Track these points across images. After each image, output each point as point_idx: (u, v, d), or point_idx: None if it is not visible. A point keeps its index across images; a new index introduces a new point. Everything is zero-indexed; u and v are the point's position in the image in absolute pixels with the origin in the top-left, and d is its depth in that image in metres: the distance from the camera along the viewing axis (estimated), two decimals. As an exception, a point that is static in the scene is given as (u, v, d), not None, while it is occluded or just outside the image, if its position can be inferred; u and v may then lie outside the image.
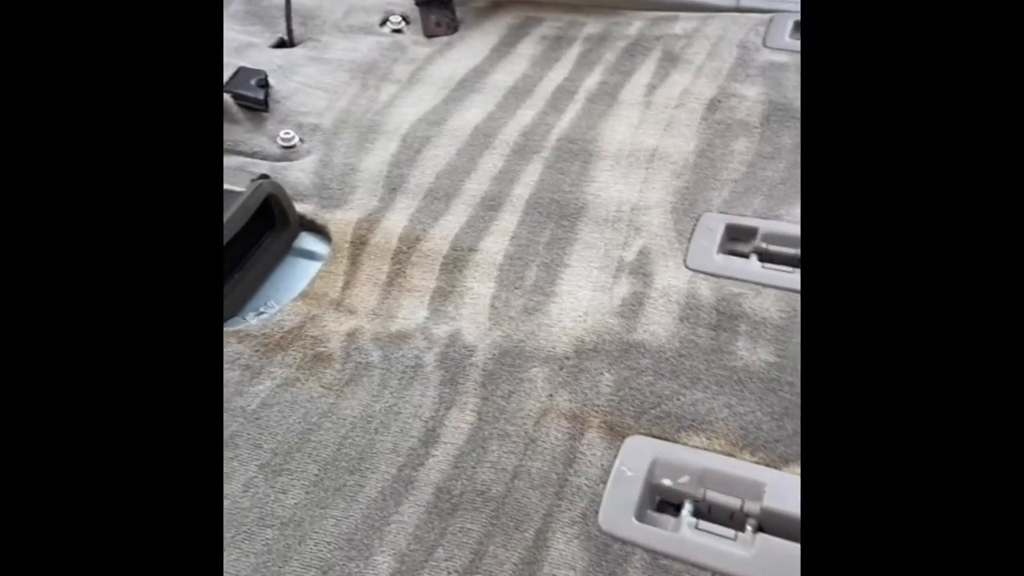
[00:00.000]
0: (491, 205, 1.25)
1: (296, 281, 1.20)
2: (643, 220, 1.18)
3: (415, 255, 1.18)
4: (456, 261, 1.16)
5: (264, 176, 1.21)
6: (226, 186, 1.27)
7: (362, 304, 1.12)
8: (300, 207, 1.27)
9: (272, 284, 1.20)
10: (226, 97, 1.42)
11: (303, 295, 1.14)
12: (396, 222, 1.23)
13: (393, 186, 1.30)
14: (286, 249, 1.24)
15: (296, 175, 1.33)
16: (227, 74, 1.44)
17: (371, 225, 1.23)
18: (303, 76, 1.53)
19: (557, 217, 1.21)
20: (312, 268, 1.21)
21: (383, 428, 0.97)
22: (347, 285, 1.15)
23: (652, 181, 1.24)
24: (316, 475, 0.93)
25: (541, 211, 1.22)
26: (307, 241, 1.26)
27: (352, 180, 1.32)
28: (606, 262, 1.13)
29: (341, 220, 1.24)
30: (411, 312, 1.11)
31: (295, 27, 1.65)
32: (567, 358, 1.01)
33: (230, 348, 1.07)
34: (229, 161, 1.36)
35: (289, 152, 1.39)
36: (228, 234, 1.12)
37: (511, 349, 1.03)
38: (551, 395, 0.97)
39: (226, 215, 1.13)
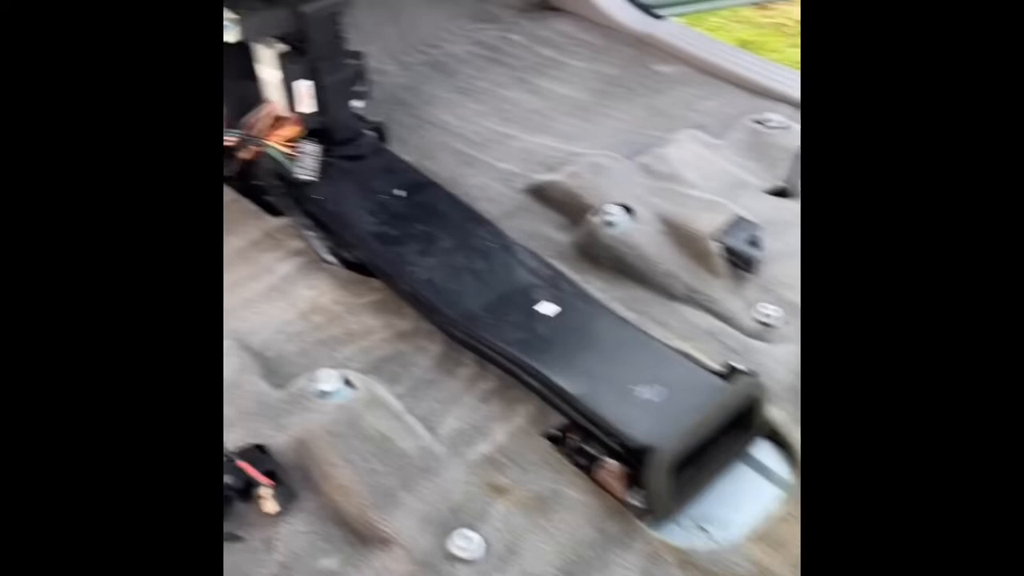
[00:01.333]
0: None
1: (746, 501, 1.03)
2: None
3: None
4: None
5: (746, 372, 1.07)
6: (696, 354, 1.16)
7: (829, 581, 0.93)
8: (770, 409, 1.10)
9: (718, 493, 1.05)
10: (714, 245, 1.30)
11: (761, 537, 0.98)
12: (882, 477, 1.01)
13: (884, 424, 1.08)
14: (739, 452, 1.09)
15: (769, 364, 1.17)
16: (723, 219, 1.33)
17: (850, 468, 1.03)
18: (797, 240, 1.37)
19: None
20: (766, 491, 1.04)
21: None
22: (812, 543, 0.96)
23: None
24: None
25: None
26: (765, 452, 1.09)
27: (835, 397, 1.12)
28: None
29: (815, 447, 1.06)
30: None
31: (797, 178, 1.49)
32: None
33: (663, 568, 0.94)
34: (699, 319, 1.24)
35: (765, 331, 1.24)
36: (699, 436, 0.99)
37: None
38: None
39: (702, 405, 1.00)
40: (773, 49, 2.93)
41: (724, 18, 3.18)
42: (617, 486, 1.02)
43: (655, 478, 0.96)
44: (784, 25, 3.06)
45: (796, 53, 2.93)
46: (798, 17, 3.15)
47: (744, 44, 3.03)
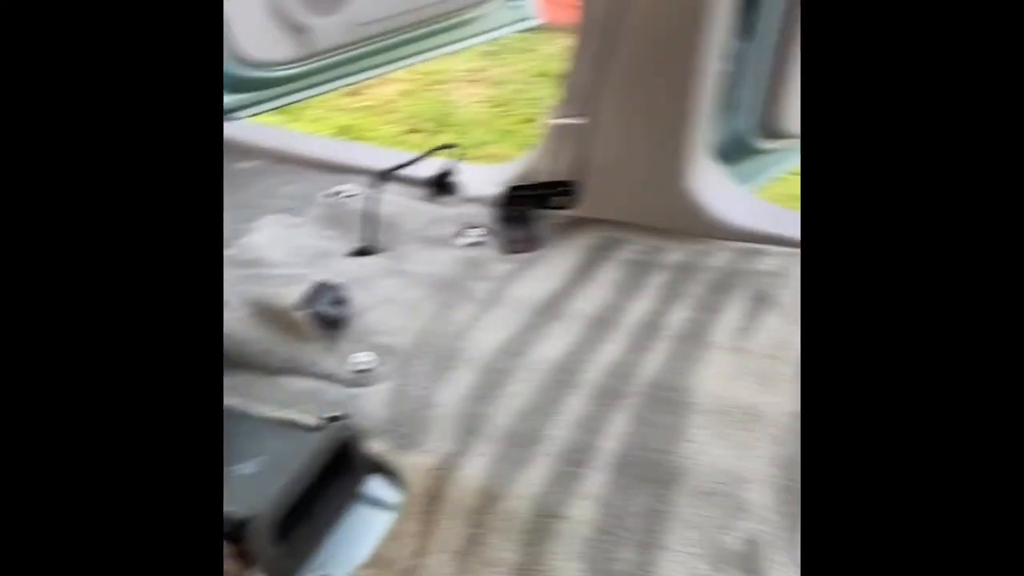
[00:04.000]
0: (576, 459, 1.16)
1: (364, 535, 1.10)
2: (745, 497, 1.08)
3: (495, 517, 1.09)
4: (539, 530, 1.06)
5: (338, 417, 1.15)
6: (297, 417, 1.22)
7: (436, 579, 1.02)
8: (372, 444, 1.19)
9: (337, 538, 1.10)
10: (299, 314, 1.38)
11: (371, 562, 1.04)
12: (474, 473, 1.14)
13: (471, 427, 1.22)
14: (353, 496, 1.15)
15: (367, 405, 1.26)
16: (303, 288, 1.41)
17: (447, 474, 1.14)
18: (380, 289, 1.50)
19: (651, 483, 1.12)
20: (380, 519, 1.12)
21: None
22: (419, 551, 1.05)
23: (751, 447, 1.15)
24: None
25: (632, 473, 1.13)
26: (378, 486, 1.17)
27: (426, 416, 1.24)
28: (706, 549, 1.02)
29: (415, 465, 1.16)
30: (491, 595, 1.00)
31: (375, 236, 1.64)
32: None
33: (289, 625, 0.97)
34: (299, 385, 1.30)
35: (361, 377, 1.33)
36: (299, 486, 1.04)
37: (606, 660, 0.91)
38: None
39: (297, 461, 1.05)
40: (371, 128, 3.18)
41: (323, 109, 3.37)
42: (235, 567, 1.02)
43: (259, 545, 0.99)
44: (374, 107, 3.33)
45: (390, 129, 3.20)
46: (385, 99, 3.45)
47: (346, 128, 3.24)
